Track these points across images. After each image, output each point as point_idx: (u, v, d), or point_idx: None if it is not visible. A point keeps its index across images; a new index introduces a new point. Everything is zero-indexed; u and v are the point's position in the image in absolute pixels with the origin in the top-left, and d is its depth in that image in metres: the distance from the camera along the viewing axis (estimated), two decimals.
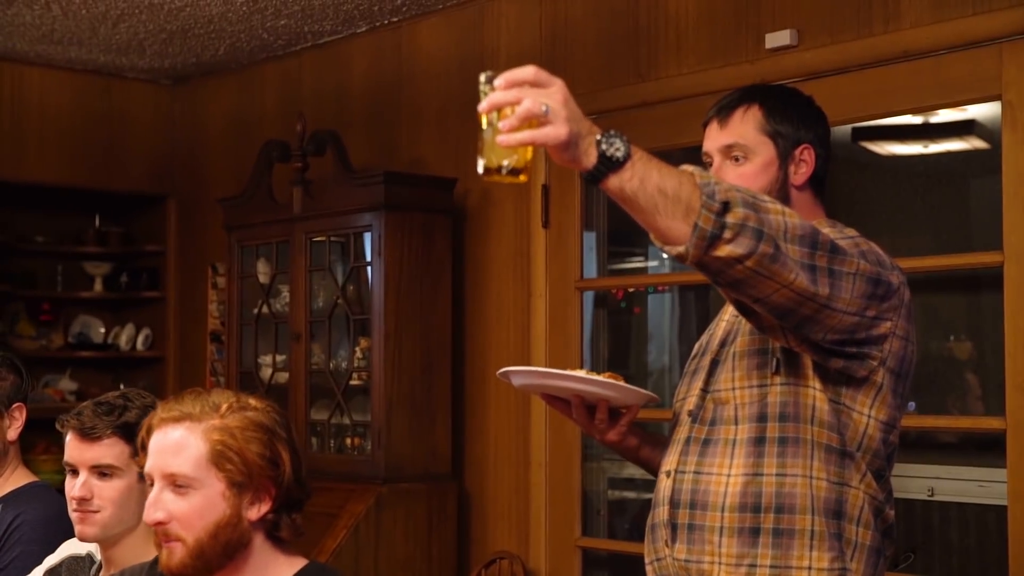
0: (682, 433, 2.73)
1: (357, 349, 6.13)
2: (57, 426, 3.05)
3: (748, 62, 4.99)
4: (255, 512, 2.38)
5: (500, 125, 2.18)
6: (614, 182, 2.24)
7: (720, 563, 2.59)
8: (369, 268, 6.05)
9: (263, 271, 6.70)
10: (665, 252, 2.33)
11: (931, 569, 4.79)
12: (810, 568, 2.52)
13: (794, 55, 4.81)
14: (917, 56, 4.56)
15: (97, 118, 7.84)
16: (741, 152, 2.75)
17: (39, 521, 3.62)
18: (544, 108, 2.16)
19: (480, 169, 2.22)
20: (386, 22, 6.59)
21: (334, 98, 6.92)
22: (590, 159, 2.22)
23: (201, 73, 7.80)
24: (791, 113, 2.75)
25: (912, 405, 4.05)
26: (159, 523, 2.39)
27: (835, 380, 2.55)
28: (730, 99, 2.81)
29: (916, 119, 5.00)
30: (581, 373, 2.69)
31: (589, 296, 5.82)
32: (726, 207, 2.23)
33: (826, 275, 2.37)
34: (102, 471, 2.99)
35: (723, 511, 2.60)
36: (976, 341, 5.00)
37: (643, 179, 2.24)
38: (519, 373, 2.70)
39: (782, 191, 2.72)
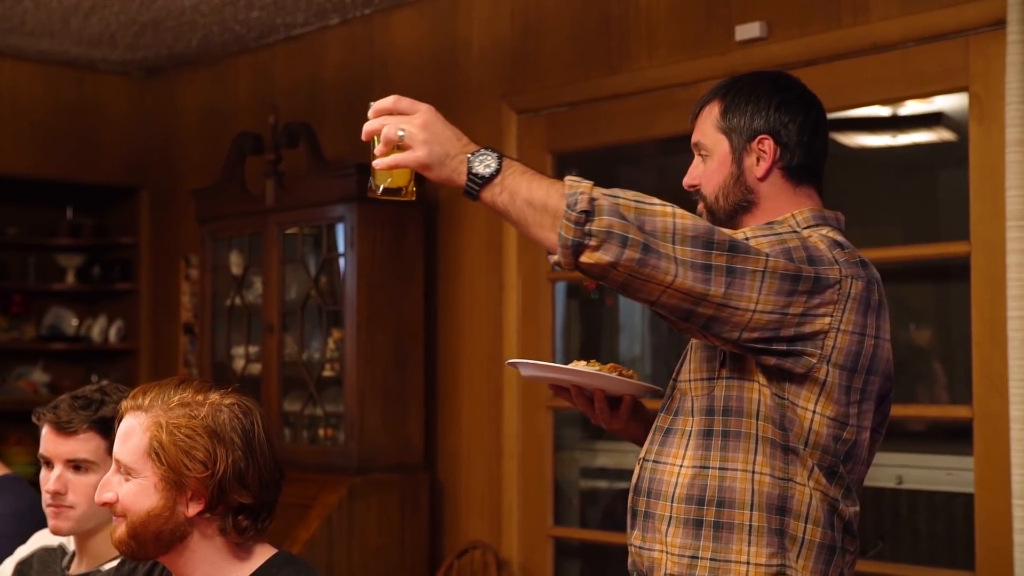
0: (656, 421, 2.76)
1: (330, 340, 6.14)
2: (33, 419, 3.05)
3: (719, 54, 5.02)
4: (189, 509, 2.40)
5: (375, 151, 2.45)
6: (486, 196, 2.41)
7: (667, 552, 2.61)
8: (342, 259, 6.06)
9: (236, 263, 6.71)
10: (549, 260, 2.45)
11: (899, 556, 4.83)
12: (748, 563, 2.52)
13: (764, 47, 4.85)
14: (886, 48, 4.60)
15: (69, 110, 7.83)
16: (705, 150, 2.78)
17: (11, 514, 3.62)
18: (400, 133, 2.40)
19: (368, 190, 2.51)
20: (359, 14, 6.60)
21: (307, 90, 6.93)
22: (461, 176, 2.41)
23: (174, 65, 7.80)
24: (748, 106, 2.73)
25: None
26: (105, 503, 2.44)
27: (778, 376, 2.54)
28: (704, 97, 2.83)
29: (884, 111, 5.04)
30: (580, 365, 2.76)
31: (561, 287, 5.84)
32: (588, 215, 2.32)
33: (723, 274, 2.39)
34: (77, 465, 3.00)
35: (672, 501, 2.61)
36: (944, 331, 5.04)
37: (512, 193, 2.39)
38: (525, 365, 2.80)
39: (741, 185, 2.72)
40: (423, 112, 2.43)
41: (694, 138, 2.80)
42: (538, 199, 2.37)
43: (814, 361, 2.51)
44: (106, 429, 2.99)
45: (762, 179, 2.72)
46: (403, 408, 5.98)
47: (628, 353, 6.18)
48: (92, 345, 8.20)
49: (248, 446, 2.42)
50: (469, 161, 2.40)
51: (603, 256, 2.32)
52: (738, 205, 2.73)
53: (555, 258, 2.39)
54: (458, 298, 6.09)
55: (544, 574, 5.73)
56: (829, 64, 4.69)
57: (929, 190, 5.17)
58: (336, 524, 5.69)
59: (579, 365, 2.77)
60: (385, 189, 2.46)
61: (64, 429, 2.99)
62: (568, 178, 2.39)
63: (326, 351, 6.17)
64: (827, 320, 2.50)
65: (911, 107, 4.99)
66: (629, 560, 2.75)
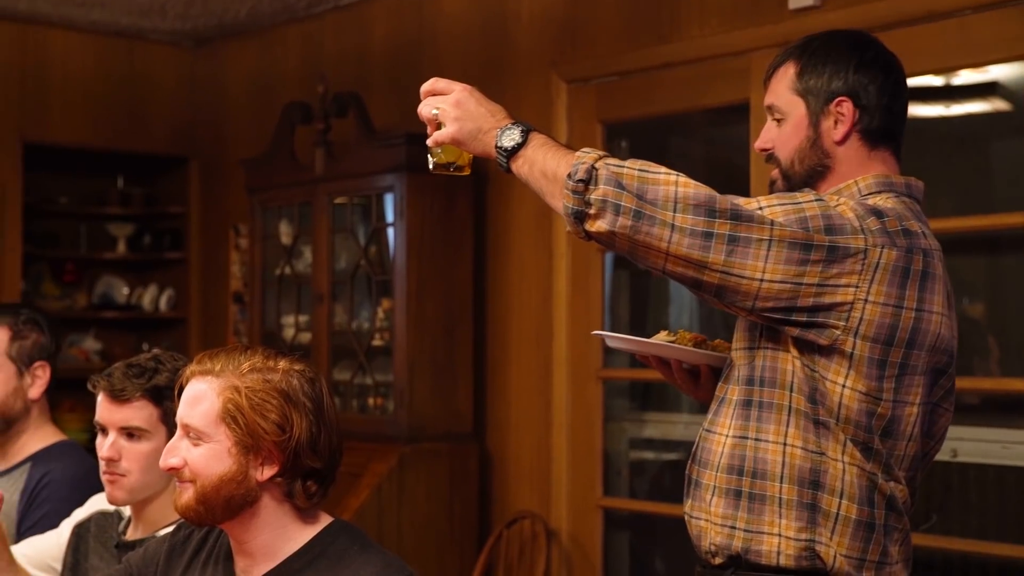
0: (716, 390, 2.75)
1: (379, 310, 6.16)
2: (89, 386, 3.06)
3: (771, 23, 4.98)
4: (262, 473, 2.40)
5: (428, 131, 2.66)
6: (513, 169, 2.57)
7: (710, 522, 2.62)
8: (391, 229, 6.07)
9: (285, 232, 6.73)
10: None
11: (952, 530, 4.80)
12: (780, 535, 2.52)
13: (818, 15, 4.81)
14: (942, 16, 4.55)
15: (120, 80, 7.86)
16: (779, 113, 2.72)
17: (67, 479, 3.64)
18: (434, 112, 2.61)
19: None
20: None
21: (356, 60, 6.93)
22: (492, 150, 2.58)
23: (223, 35, 7.81)
24: (826, 67, 2.66)
25: None
26: (171, 468, 2.44)
27: (807, 348, 2.51)
28: (778, 57, 2.76)
29: (938, 80, 4.99)
30: (662, 337, 2.83)
31: (610, 257, 5.83)
32: (586, 184, 2.43)
33: (724, 241, 2.40)
34: (130, 432, 3.01)
35: (716, 471, 2.62)
36: (998, 303, 5.00)
37: (531, 164, 2.53)
38: (611, 337, 2.91)
39: (818, 149, 2.65)
40: (458, 91, 2.60)
41: (767, 100, 2.74)
42: (550, 169, 2.50)
43: (838, 333, 2.47)
44: (159, 397, 3.00)
45: (840, 143, 2.66)
46: (452, 378, 5.99)
47: (676, 324, 6.15)
48: (143, 313, 8.24)
49: (318, 411, 2.44)
50: (497, 136, 2.56)
51: (602, 224, 2.43)
52: (813, 170, 2.68)
53: (568, 228, 2.50)
54: (507, 268, 6.08)
55: (593, 544, 5.73)
56: (884, 33, 4.61)
57: (983, 161, 5.12)
58: (386, 493, 5.71)
59: (661, 337, 2.83)
60: (435, 164, 2.68)
61: (118, 397, 3.00)
62: (582, 149, 2.49)
63: (375, 321, 6.18)
64: (851, 291, 2.46)
65: (965, 76, 4.94)
66: (687, 528, 2.75)
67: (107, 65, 7.82)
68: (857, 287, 2.46)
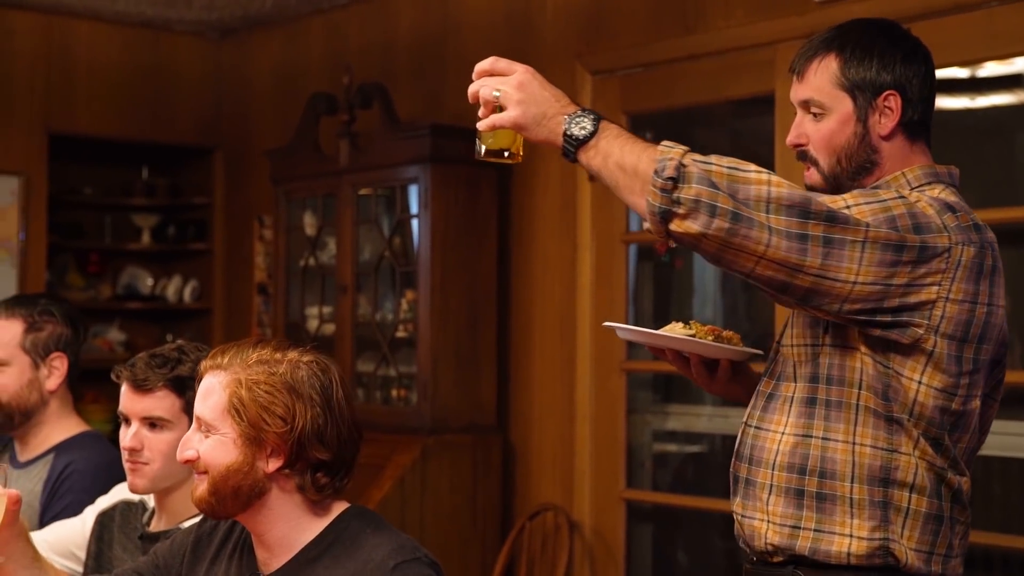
0: (759, 386, 2.70)
1: (403, 301, 6.16)
2: (113, 376, 3.07)
3: (796, 15, 4.97)
4: (269, 465, 2.42)
5: (480, 113, 2.50)
6: (582, 159, 2.43)
7: (768, 521, 2.58)
8: (415, 221, 6.07)
9: (309, 223, 6.74)
10: (644, 226, 2.42)
11: (976, 524, 4.78)
12: (851, 536, 2.49)
13: (843, 7, 4.79)
14: (968, 8, 4.53)
15: (145, 71, 7.88)
16: (818, 108, 2.63)
17: (90, 470, 3.65)
18: (496, 94, 2.46)
19: (475, 154, 2.54)
20: None
21: (381, 51, 6.93)
22: (558, 138, 2.44)
23: (248, 26, 7.82)
24: (871, 60, 2.60)
25: None
26: (187, 460, 2.47)
27: (883, 346, 2.47)
28: (808, 48, 2.68)
29: (963, 72, 4.97)
30: (678, 328, 2.73)
31: (634, 249, 5.82)
32: (676, 182, 2.30)
33: (820, 243, 2.33)
34: (152, 423, 3.02)
35: (773, 469, 2.58)
36: (1020, 296, 4.98)
37: (606, 156, 2.40)
38: (622, 329, 2.81)
39: (866, 145, 2.59)
40: (520, 72, 2.47)
41: (804, 94, 2.65)
42: (629, 163, 2.37)
43: (921, 332, 2.44)
44: (181, 388, 3.01)
45: (886, 137, 2.60)
46: (476, 369, 5.99)
47: (700, 315, 6.15)
48: (167, 304, 8.27)
49: (326, 403, 2.44)
50: (566, 123, 2.42)
51: (692, 225, 2.31)
52: (861, 166, 2.62)
53: (647, 225, 2.38)
54: (532, 259, 6.08)
55: (616, 537, 5.73)
56: (909, 24, 4.58)
57: (1008, 153, 5.10)
58: (409, 484, 5.72)
59: (676, 328, 2.74)
60: (488, 150, 2.50)
61: (140, 387, 3.01)
62: (663, 143, 2.36)
63: (399, 312, 6.19)
64: (934, 290, 2.43)
65: (990, 68, 4.92)
66: (735, 527, 2.71)
67: (132, 56, 7.84)
68: (940, 285, 2.44)
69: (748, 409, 2.71)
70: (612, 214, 5.69)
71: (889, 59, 2.61)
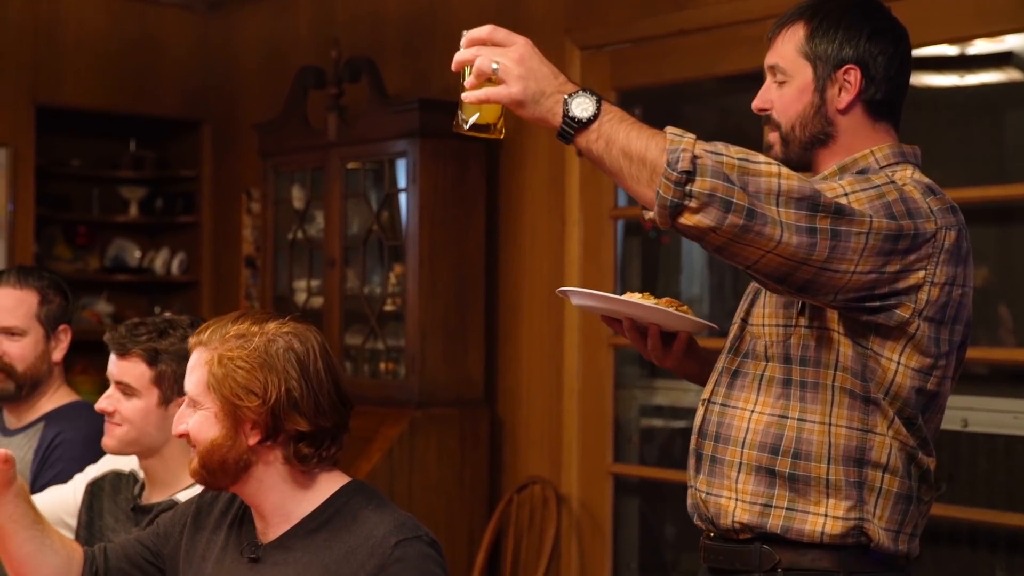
0: (720, 362, 2.69)
1: (391, 275, 6.17)
2: (104, 338, 3.11)
3: None
4: (250, 438, 2.43)
5: (464, 83, 2.30)
6: (581, 142, 2.28)
7: (737, 499, 2.57)
8: (403, 195, 6.07)
9: (298, 197, 6.74)
10: (643, 215, 2.36)
11: (963, 499, 4.81)
12: (826, 516, 2.50)
13: None
14: None
15: (132, 43, 7.87)
16: (782, 74, 2.64)
17: (80, 439, 3.68)
18: (494, 66, 2.25)
19: (453, 124, 2.35)
20: None
21: (369, 24, 6.92)
22: (556, 118, 2.27)
23: None
24: (838, 32, 2.59)
25: None
26: (180, 435, 2.49)
27: (862, 327, 2.47)
28: (784, 16, 2.68)
29: (952, 50, 4.98)
30: (636, 298, 2.64)
31: (620, 225, 5.83)
32: (689, 175, 2.20)
33: (828, 236, 2.30)
34: (123, 388, 3.06)
35: (743, 447, 2.57)
36: (1009, 273, 5.00)
37: (609, 140, 2.26)
38: (577, 294, 2.70)
39: (821, 116, 2.60)
40: (520, 45, 2.28)
41: (770, 60, 2.66)
42: (636, 151, 2.24)
43: (906, 315, 2.44)
44: (154, 359, 3.05)
45: (843, 112, 2.60)
46: (464, 343, 6.01)
47: (687, 292, 6.16)
48: (155, 277, 8.28)
49: (303, 374, 2.44)
50: (566, 103, 2.26)
51: (703, 219, 2.22)
52: (815, 137, 2.62)
53: (650, 215, 2.29)
54: (520, 234, 6.09)
55: (603, 510, 5.76)
56: (899, 1, 4.63)
57: (997, 131, 5.11)
58: (397, 457, 5.74)
59: (634, 297, 2.65)
60: (474, 125, 2.32)
61: (117, 351, 3.07)
62: (669, 130, 2.27)
63: (387, 286, 6.20)
64: (921, 274, 2.43)
65: (980, 46, 4.93)
66: (690, 502, 2.71)
67: (120, 28, 7.82)
68: (926, 270, 2.44)
69: (710, 386, 2.69)
70: (600, 189, 5.70)
71: (855, 33, 2.60)
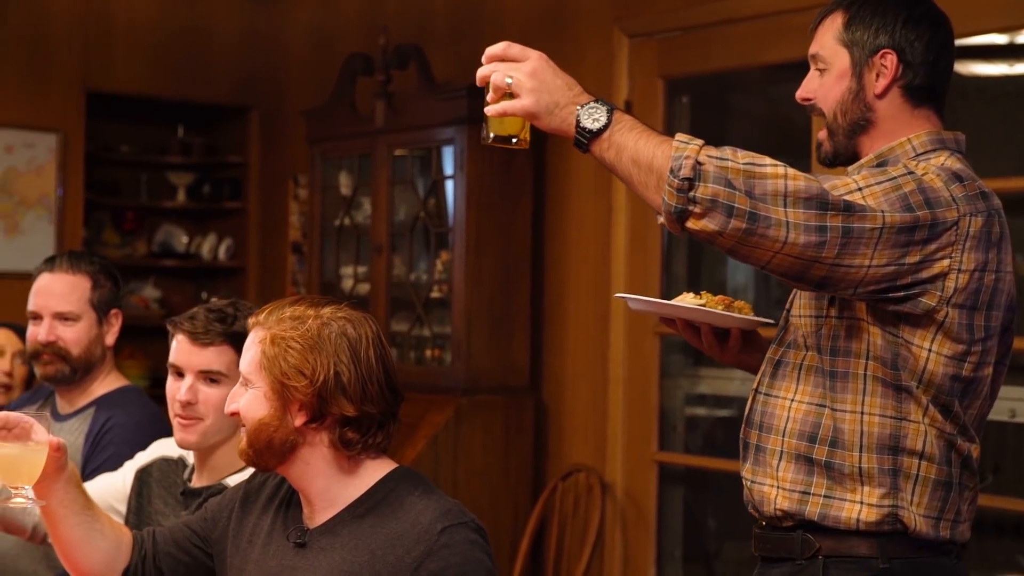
0: (768, 352, 2.73)
1: (438, 262, 6.19)
2: (168, 326, 3.12)
3: None
4: (296, 420, 2.45)
5: (487, 98, 2.43)
6: (595, 151, 2.39)
7: (778, 487, 2.61)
8: (450, 182, 6.09)
9: (345, 183, 6.76)
10: (658, 220, 2.41)
11: (1008, 490, 4.80)
12: (862, 503, 2.52)
13: None
14: None
15: (182, 30, 7.90)
16: (822, 63, 2.68)
17: (131, 424, 3.71)
18: (508, 81, 2.38)
19: (481, 138, 2.48)
20: None
21: (417, 12, 6.93)
22: (570, 128, 2.39)
23: None
24: (874, 19, 2.63)
25: None
26: (232, 413, 2.52)
27: (893, 317, 2.50)
28: (826, 7, 2.73)
29: (1001, 39, 4.95)
30: (689, 298, 2.73)
31: None
32: (692, 182, 2.29)
33: (838, 234, 2.34)
34: (210, 377, 3.06)
35: (784, 435, 2.61)
36: None
37: (619, 149, 2.37)
38: (634, 300, 2.80)
39: (860, 101, 2.63)
40: (533, 60, 2.40)
41: (812, 49, 2.71)
42: (644, 158, 2.35)
43: (933, 304, 2.46)
44: (237, 343, 3.04)
45: (880, 96, 2.63)
46: (509, 331, 6.02)
47: (732, 281, 6.16)
48: (202, 262, 8.32)
49: (353, 358, 2.46)
50: (578, 113, 2.38)
51: (708, 224, 2.31)
52: (856, 123, 2.65)
53: (661, 220, 2.38)
54: (566, 222, 6.09)
55: (648, 498, 5.76)
56: None
57: None
58: (442, 444, 5.76)
59: (687, 298, 2.74)
60: (496, 136, 2.45)
61: (199, 340, 3.05)
62: (678, 137, 2.34)
63: (434, 273, 6.21)
64: (946, 263, 2.45)
65: None
66: (744, 492, 2.74)
67: (170, 15, 7.86)
68: (951, 258, 2.46)
69: (758, 376, 2.73)
70: None
71: (891, 20, 2.63)
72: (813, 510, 2.56)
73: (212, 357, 3.06)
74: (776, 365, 2.67)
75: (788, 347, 2.66)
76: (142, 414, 3.76)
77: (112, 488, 3.34)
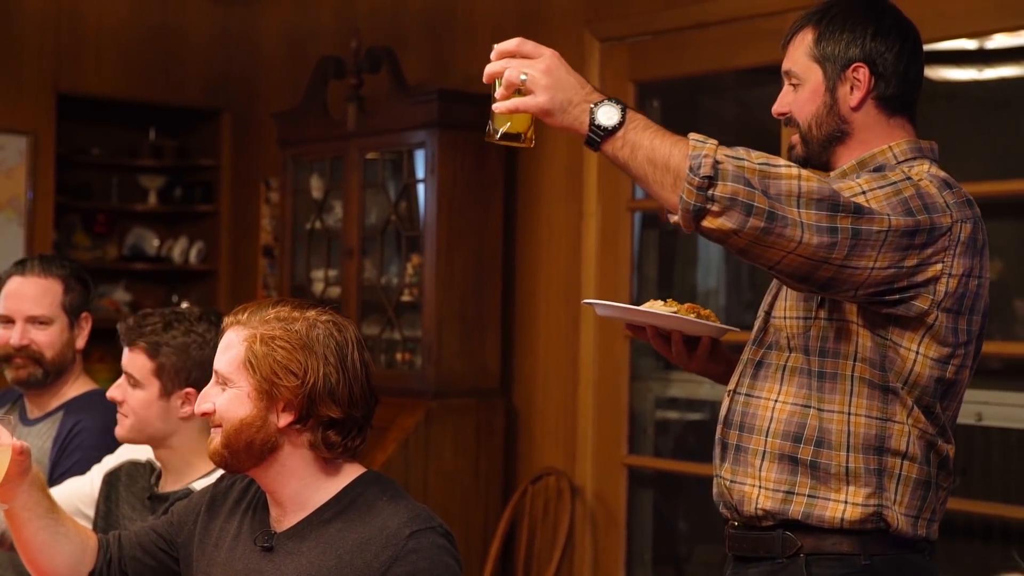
0: (745, 354, 2.75)
1: (408, 266, 6.18)
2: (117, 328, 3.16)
3: None
4: (280, 420, 2.45)
5: (495, 94, 2.41)
6: (608, 149, 2.37)
7: (760, 487, 2.63)
8: (422, 185, 6.09)
9: (316, 187, 6.75)
10: (668, 218, 2.42)
11: (976, 493, 4.82)
12: (846, 502, 2.55)
13: None
14: None
15: (154, 32, 7.89)
16: (795, 79, 2.72)
17: (98, 428, 3.70)
18: (523, 77, 2.36)
19: (486, 135, 2.45)
20: None
21: (389, 15, 6.93)
22: (583, 126, 2.37)
23: None
24: (843, 33, 2.67)
25: None
26: (204, 413, 2.50)
27: (882, 319, 2.53)
28: (795, 23, 2.76)
29: (971, 44, 4.98)
30: (658, 306, 2.74)
31: (637, 217, 5.84)
32: (711, 180, 2.28)
33: (848, 235, 2.37)
34: (129, 379, 3.11)
35: (767, 436, 2.63)
36: None
37: (634, 147, 2.35)
38: (601, 305, 2.81)
39: (835, 115, 2.67)
40: (547, 57, 2.38)
41: (785, 66, 2.74)
42: (660, 157, 2.34)
43: (925, 307, 2.50)
44: (155, 351, 3.10)
45: (856, 109, 2.67)
46: (480, 334, 6.02)
47: (704, 284, 6.18)
48: (173, 265, 8.30)
49: (340, 362, 2.46)
50: (592, 111, 2.36)
51: (725, 222, 2.30)
52: (831, 135, 2.68)
53: (675, 219, 2.37)
54: (537, 225, 6.10)
55: (617, 501, 5.77)
56: None
57: (1016, 125, 5.11)
58: (412, 447, 5.75)
59: (656, 305, 2.75)
60: (504, 134, 2.43)
61: (124, 341, 3.13)
62: (692, 136, 2.35)
63: (405, 276, 6.21)
64: (939, 267, 2.49)
65: (998, 40, 4.93)
66: (715, 491, 2.76)
67: (141, 16, 7.84)
68: (943, 263, 2.50)
69: (736, 377, 2.75)
70: (618, 181, 5.71)
71: (860, 32, 2.67)
72: (797, 509, 2.59)
73: (130, 360, 3.12)
74: (757, 366, 2.69)
75: (769, 348, 2.68)
76: (110, 418, 3.74)
77: (80, 492, 3.35)
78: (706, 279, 6.12)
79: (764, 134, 5.27)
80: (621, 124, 2.35)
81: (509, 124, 2.42)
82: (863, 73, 2.66)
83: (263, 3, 7.87)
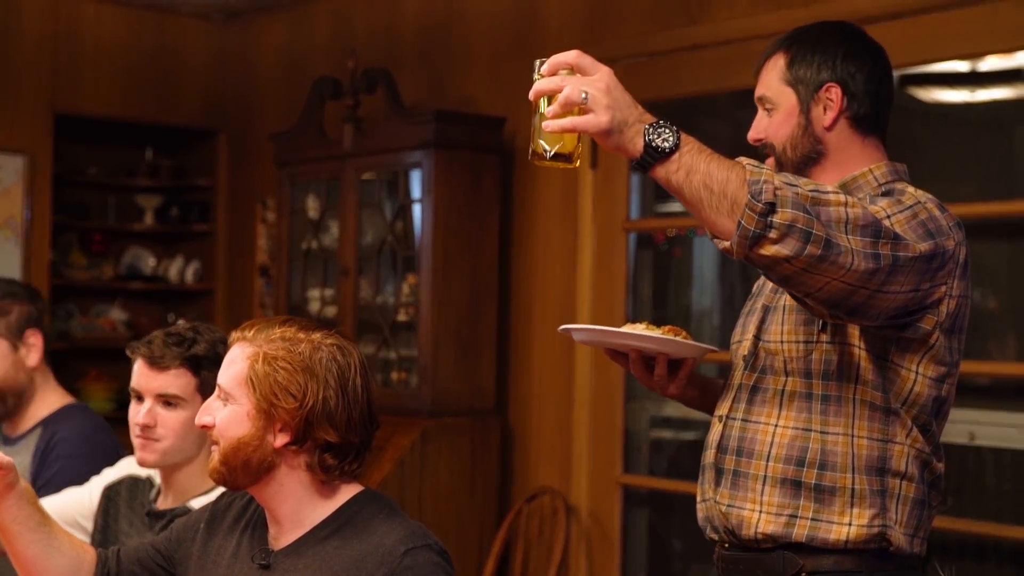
0: (736, 379, 2.75)
1: (404, 285, 6.20)
2: (128, 352, 3.13)
3: (801, 6, 5.00)
4: (278, 440, 2.46)
5: (546, 112, 2.27)
6: (661, 172, 2.28)
7: (761, 511, 2.63)
8: (417, 205, 6.11)
9: (312, 207, 6.77)
10: (715, 244, 2.37)
11: (968, 513, 4.83)
12: (850, 524, 2.57)
13: (847, 0, 4.82)
14: (971, 3, 4.56)
15: (151, 53, 7.91)
16: (769, 103, 2.75)
17: (76, 436, 3.73)
18: (584, 95, 2.23)
19: (529, 154, 2.33)
20: None
21: (386, 36, 6.96)
22: (637, 148, 2.27)
23: (253, 9, 7.84)
24: (815, 56, 2.70)
25: None
26: (204, 426, 2.51)
27: (883, 341, 2.55)
28: (766, 50, 2.79)
29: (963, 66, 5.01)
30: (640, 328, 2.69)
31: (632, 237, 5.86)
32: (772, 207, 2.23)
33: (889, 262, 2.36)
34: (167, 400, 3.07)
35: (768, 460, 2.64)
36: (1017, 288, 5.02)
37: (689, 171, 2.27)
38: (580, 330, 2.77)
39: (809, 135, 2.70)
40: (605, 74, 2.27)
41: (758, 92, 2.77)
42: (717, 182, 2.26)
43: (929, 328, 2.53)
44: (196, 367, 3.07)
45: (829, 128, 2.70)
46: (476, 353, 6.04)
47: (698, 304, 6.19)
48: (169, 285, 8.30)
49: (341, 386, 2.46)
50: (647, 133, 2.27)
51: (781, 249, 2.25)
52: (807, 156, 2.71)
53: (725, 244, 2.30)
54: (533, 246, 6.12)
55: (612, 521, 5.78)
56: (913, 18, 4.66)
57: (1007, 147, 5.14)
58: (408, 466, 5.76)
59: (637, 328, 2.70)
60: (556, 154, 2.30)
61: (156, 364, 3.07)
62: (746, 161, 2.31)
63: (400, 296, 6.23)
64: (943, 289, 2.53)
65: (991, 62, 4.95)
66: (702, 515, 2.77)
67: (138, 37, 7.87)
68: (947, 284, 2.54)
69: (727, 403, 2.75)
70: (613, 202, 5.73)
71: (831, 54, 2.71)
72: (800, 532, 2.60)
73: (169, 381, 3.07)
74: (752, 391, 2.70)
75: (763, 373, 2.69)
76: (88, 425, 3.78)
77: (79, 504, 3.34)
78: (701, 299, 6.13)
79: (758, 157, 5.29)
80: (676, 147, 2.27)
81: (561, 144, 2.29)
82: (835, 93, 2.69)
83: (260, 24, 7.90)
